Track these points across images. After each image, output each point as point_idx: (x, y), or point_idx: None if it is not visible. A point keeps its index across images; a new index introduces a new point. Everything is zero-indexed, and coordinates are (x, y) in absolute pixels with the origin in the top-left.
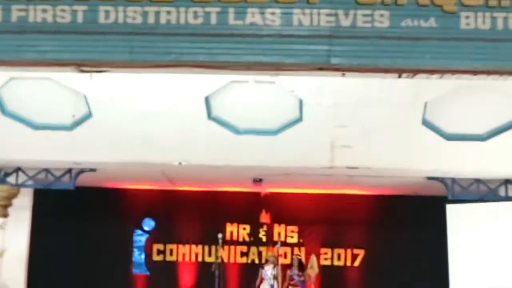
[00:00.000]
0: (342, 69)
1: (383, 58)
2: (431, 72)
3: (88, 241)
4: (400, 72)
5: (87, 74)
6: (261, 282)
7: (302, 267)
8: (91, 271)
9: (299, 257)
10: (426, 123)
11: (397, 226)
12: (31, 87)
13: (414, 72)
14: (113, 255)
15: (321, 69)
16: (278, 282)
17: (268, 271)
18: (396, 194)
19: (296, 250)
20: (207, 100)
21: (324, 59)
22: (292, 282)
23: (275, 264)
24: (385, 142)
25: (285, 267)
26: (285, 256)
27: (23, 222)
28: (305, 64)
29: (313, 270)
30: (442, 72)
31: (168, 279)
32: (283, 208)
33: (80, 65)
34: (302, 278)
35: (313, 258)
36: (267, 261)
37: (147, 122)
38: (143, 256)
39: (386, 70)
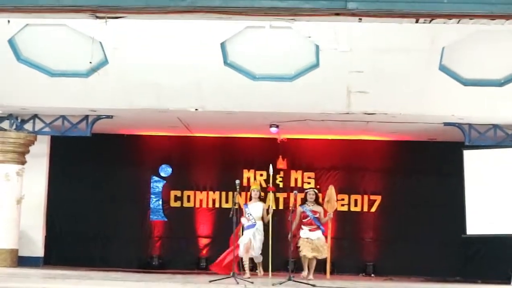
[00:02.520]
0: (358, 14)
1: (400, 3)
2: (449, 16)
3: (105, 187)
4: (417, 17)
5: (102, 20)
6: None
7: (318, 202)
8: (108, 218)
9: (316, 190)
10: (443, 68)
11: (414, 172)
12: (46, 34)
13: (432, 17)
14: (131, 201)
15: (337, 14)
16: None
17: (251, 208)
18: (412, 140)
19: None
20: (223, 46)
21: (341, 4)
22: (305, 221)
23: (261, 200)
24: (402, 87)
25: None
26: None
27: (40, 169)
28: (321, 9)
29: (330, 205)
30: (459, 16)
31: (185, 225)
32: (300, 155)
33: (95, 11)
34: (317, 215)
35: (332, 190)
36: (251, 197)
37: (163, 69)
38: (160, 202)
39: (403, 15)
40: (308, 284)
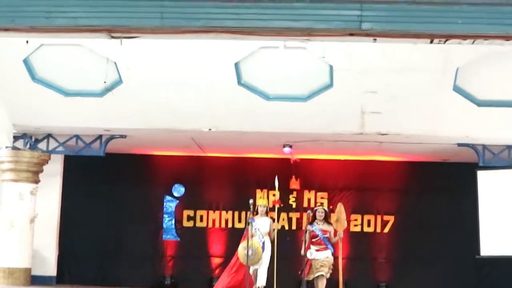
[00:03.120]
0: (373, 35)
1: (414, 24)
2: (463, 37)
3: (118, 207)
4: (431, 37)
5: (117, 40)
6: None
7: (327, 221)
8: (121, 237)
9: (324, 208)
10: (457, 89)
11: (427, 193)
12: (61, 54)
13: (446, 37)
14: (143, 221)
15: (352, 34)
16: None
17: (258, 223)
18: (426, 161)
19: None
20: (236, 66)
21: (355, 24)
22: (314, 240)
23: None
24: (416, 108)
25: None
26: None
27: (53, 188)
28: (336, 30)
29: (340, 224)
30: (474, 37)
31: (198, 245)
32: (313, 175)
33: (111, 31)
34: (327, 235)
35: (341, 207)
36: (256, 212)
37: (176, 89)
38: (173, 222)
39: (417, 36)
40: None
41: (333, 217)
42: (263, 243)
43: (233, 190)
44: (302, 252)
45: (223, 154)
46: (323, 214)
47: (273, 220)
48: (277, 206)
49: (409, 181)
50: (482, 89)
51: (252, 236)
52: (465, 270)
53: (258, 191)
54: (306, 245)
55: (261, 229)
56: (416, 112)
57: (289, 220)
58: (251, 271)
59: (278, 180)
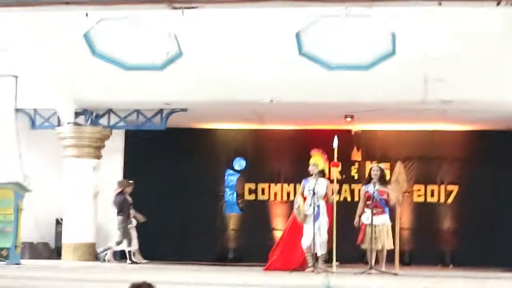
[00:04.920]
0: None
1: None
2: None
3: (180, 181)
4: None
5: (179, 11)
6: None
7: (384, 181)
8: (183, 211)
9: (380, 166)
10: None
11: (491, 162)
12: (121, 27)
13: None
14: (205, 195)
15: None
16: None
17: (311, 184)
18: (490, 129)
19: None
20: (297, 36)
21: None
22: (368, 203)
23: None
24: (480, 74)
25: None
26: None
27: (115, 164)
28: None
29: (399, 186)
30: None
31: (260, 218)
32: (375, 146)
33: (172, 1)
34: (384, 196)
35: (400, 167)
36: (309, 173)
37: (237, 60)
38: (234, 195)
39: None
40: (390, 273)
41: (392, 178)
42: (318, 207)
43: (294, 163)
44: (355, 222)
45: (283, 126)
46: (378, 173)
47: (331, 182)
48: (336, 168)
49: (472, 151)
50: None
51: (304, 198)
52: None
53: None
54: (361, 208)
55: (317, 190)
56: (481, 78)
57: (352, 191)
58: (308, 243)
59: (339, 151)
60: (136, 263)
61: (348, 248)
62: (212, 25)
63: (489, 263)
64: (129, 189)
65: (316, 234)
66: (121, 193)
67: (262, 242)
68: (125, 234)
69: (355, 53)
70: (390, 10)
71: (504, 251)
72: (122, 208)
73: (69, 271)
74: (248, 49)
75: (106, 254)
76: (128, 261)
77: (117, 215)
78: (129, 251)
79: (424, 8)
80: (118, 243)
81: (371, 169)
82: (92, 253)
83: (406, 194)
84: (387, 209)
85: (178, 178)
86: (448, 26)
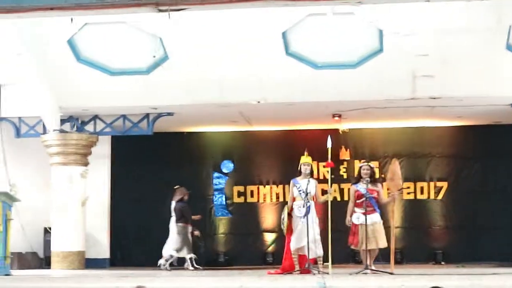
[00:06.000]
0: None
1: None
2: None
3: (168, 186)
4: None
5: (164, 15)
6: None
7: (374, 179)
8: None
9: (370, 164)
10: (510, 47)
11: (480, 157)
12: (105, 32)
13: None
14: (194, 199)
15: None
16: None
17: (301, 185)
18: (477, 124)
19: None
20: (284, 35)
21: None
22: (359, 202)
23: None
24: (468, 69)
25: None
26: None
27: (103, 170)
28: None
29: (394, 183)
30: None
31: (250, 221)
32: (363, 144)
33: (158, 4)
34: (374, 195)
35: (396, 164)
36: (300, 172)
37: (223, 62)
38: (223, 198)
39: None
40: (386, 272)
41: (387, 176)
42: (309, 207)
43: (283, 164)
44: (347, 221)
45: (271, 127)
46: (368, 172)
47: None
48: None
49: (461, 146)
50: None
51: (294, 199)
52: None
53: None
54: (350, 208)
55: (309, 191)
56: (468, 73)
57: (341, 191)
58: (300, 245)
59: (330, 137)
60: (199, 269)
61: (337, 248)
62: (197, 27)
63: (481, 259)
64: (186, 197)
65: (309, 236)
66: (181, 200)
67: (252, 245)
68: (185, 241)
69: (342, 51)
70: (378, 7)
71: (495, 247)
72: (182, 215)
73: (61, 280)
74: (234, 50)
75: (168, 262)
76: (191, 267)
77: (177, 222)
78: (190, 258)
79: (412, 5)
80: (178, 250)
81: (360, 167)
82: (82, 261)
83: (401, 191)
84: (377, 208)
85: (166, 183)
86: (436, 22)
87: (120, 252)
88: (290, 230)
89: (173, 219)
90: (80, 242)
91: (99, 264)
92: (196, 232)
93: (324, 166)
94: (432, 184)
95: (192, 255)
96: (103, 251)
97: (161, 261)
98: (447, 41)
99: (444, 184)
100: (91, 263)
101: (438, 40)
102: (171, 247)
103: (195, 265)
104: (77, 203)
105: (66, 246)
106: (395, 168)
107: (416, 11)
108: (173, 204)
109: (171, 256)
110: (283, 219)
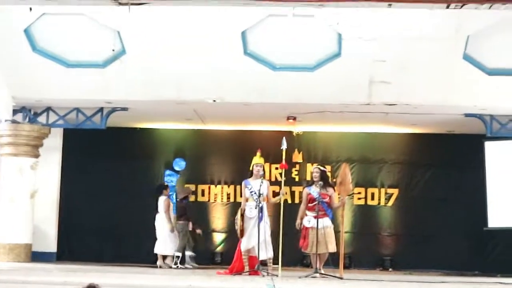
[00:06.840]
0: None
1: None
2: (481, 1)
3: (119, 181)
4: (448, 2)
5: (121, 9)
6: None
7: (325, 183)
8: (122, 212)
9: (320, 167)
10: (467, 57)
11: (432, 165)
12: (63, 23)
13: (463, 1)
14: (144, 196)
15: None
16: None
17: (253, 186)
18: (431, 133)
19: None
20: (243, 35)
21: None
22: (311, 205)
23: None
24: (425, 77)
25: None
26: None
27: (53, 163)
28: None
29: (344, 188)
30: (492, 1)
31: (200, 220)
32: (316, 147)
33: None
34: (326, 199)
35: (346, 168)
36: (251, 173)
37: (181, 59)
38: (174, 196)
39: (434, 0)
40: (335, 276)
41: (337, 180)
42: (261, 208)
43: (235, 164)
44: (297, 224)
45: (225, 126)
46: (317, 175)
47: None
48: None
49: (413, 154)
50: (492, 58)
51: (246, 200)
52: (471, 243)
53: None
54: (302, 211)
55: (262, 192)
56: (425, 81)
57: (292, 193)
58: (250, 245)
59: (280, 153)
60: (196, 267)
61: (287, 251)
62: (156, 22)
63: (428, 267)
64: (190, 196)
65: (260, 237)
66: (185, 198)
67: (202, 244)
68: (185, 238)
69: (301, 53)
70: (337, 11)
71: (443, 255)
72: (185, 213)
73: (8, 273)
74: (192, 47)
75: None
76: (187, 265)
77: (177, 220)
78: (190, 256)
79: (372, 10)
80: (183, 249)
81: (312, 172)
82: (28, 254)
83: (351, 196)
84: (329, 212)
85: (116, 178)
86: (396, 28)
87: (67, 247)
88: (243, 231)
89: (159, 215)
90: (28, 234)
91: (46, 258)
92: (198, 230)
93: (277, 168)
94: (383, 190)
95: (192, 253)
96: (51, 244)
97: (171, 264)
98: (406, 48)
99: (395, 191)
100: (37, 257)
101: (398, 47)
102: (173, 249)
103: (178, 263)
104: (26, 195)
105: (13, 238)
106: (346, 172)
107: (378, 17)
108: (162, 199)
109: (178, 257)
110: (236, 220)
